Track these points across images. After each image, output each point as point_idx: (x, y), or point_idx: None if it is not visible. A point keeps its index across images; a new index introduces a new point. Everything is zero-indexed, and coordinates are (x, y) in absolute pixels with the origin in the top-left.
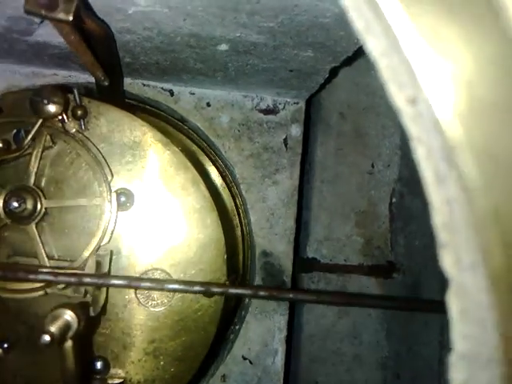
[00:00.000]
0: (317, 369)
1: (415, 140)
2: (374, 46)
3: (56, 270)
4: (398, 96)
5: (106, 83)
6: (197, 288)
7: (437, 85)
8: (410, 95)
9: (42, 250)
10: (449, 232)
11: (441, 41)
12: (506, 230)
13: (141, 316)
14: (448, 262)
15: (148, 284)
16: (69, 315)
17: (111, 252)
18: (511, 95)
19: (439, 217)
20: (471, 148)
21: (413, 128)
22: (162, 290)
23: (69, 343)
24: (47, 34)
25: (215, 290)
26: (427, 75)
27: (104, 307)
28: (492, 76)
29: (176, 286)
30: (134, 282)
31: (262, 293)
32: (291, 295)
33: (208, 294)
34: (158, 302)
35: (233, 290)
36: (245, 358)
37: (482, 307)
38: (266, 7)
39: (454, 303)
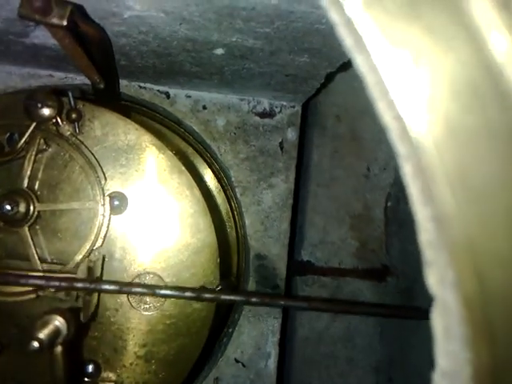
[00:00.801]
0: (310, 372)
1: (402, 157)
2: (361, 64)
3: (47, 274)
4: (386, 113)
5: (102, 86)
6: (188, 294)
7: (413, 109)
8: (397, 112)
9: (35, 253)
10: (433, 250)
11: (418, 65)
12: (478, 259)
13: (133, 320)
14: (433, 279)
15: (139, 289)
16: (58, 321)
17: (103, 257)
18: (484, 121)
19: (424, 234)
20: (445, 174)
21: (399, 145)
22: (153, 295)
23: (58, 348)
24: (43, 35)
25: (207, 296)
26: (403, 98)
27: (95, 312)
28: (467, 102)
29: (168, 292)
30: (125, 288)
31: (254, 299)
32: (283, 302)
33: (200, 300)
34: (150, 305)
35: (225, 297)
36: (237, 361)
37: (460, 326)
38: (262, 13)
39: (438, 320)
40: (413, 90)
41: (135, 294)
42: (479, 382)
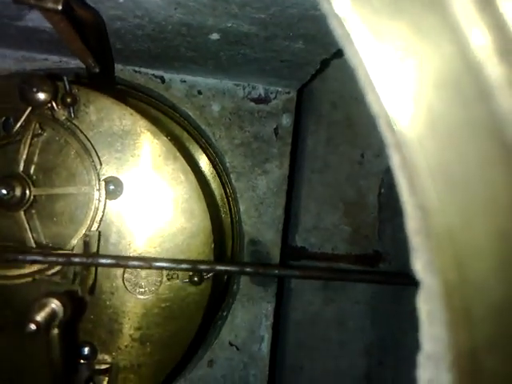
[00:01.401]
0: (302, 355)
1: (391, 147)
2: (351, 56)
3: (45, 251)
4: (374, 105)
5: (97, 70)
6: (184, 265)
7: (398, 103)
8: (383, 106)
9: (31, 237)
10: (419, 237)
11: (403, 60)
12: (458, 248)
13: (128, 303)
14: (419, 265)
15: (136, 262)
16: (55, 304)
17: (99, 233)
18: (466, 117)
19: (411, 222)
20: (427, 166)
21: (387, 137)
22: (149, 268)
23: (55, 331)
24: (38, 19)
25: (202, 267)
26: (389, 92)
27: (93, 286)
28: (449, 97)
29: (164, 264)
30: (122, 261)
31: (248, 269)
32: (276, 271)
33: (195, 270)
34: (146, 289)
35: (220, 267)
36: (231, 344)
37: (441, 311)
38: None
39: (423, 305)
40: (398, 85)
41: (132, 267)
42: (460, 364)
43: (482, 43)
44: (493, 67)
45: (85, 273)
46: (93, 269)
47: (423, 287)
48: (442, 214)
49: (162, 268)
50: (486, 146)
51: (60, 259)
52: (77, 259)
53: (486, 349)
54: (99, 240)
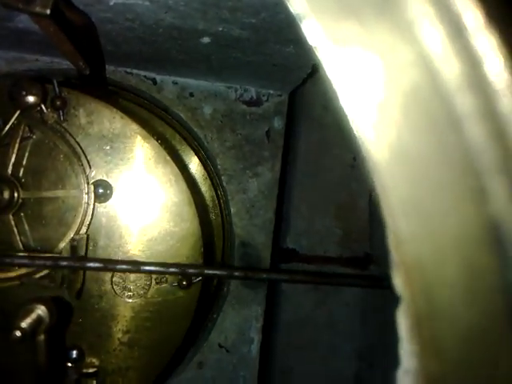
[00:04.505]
0: (292, 357)
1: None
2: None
3: (32, 254)
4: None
5: (87, 72)
6: (173, 269)
7: (365, 123)
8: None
9: (19, 241)
10: (398, 253)
11: (361, 69)
12: (427, 279)
13: (116, 307)
14: (398, 280)
15: (124, 266)
16: (41, 310)
17: (87, 236)
18: (436, 145)
19: (391, 236)
20: (398, 195)
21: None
22: (138, 272)
23: (41, 337)
24: (27, 20)
25: (191, 271)
26: (353, 103)
27: (81, 290)
28: (419, 123)
29: (152, 268)
30: (110, 265)
31: (237, 273)
32: (265, 275)
33: (184, 275)
34: (134, 293)
35: (208, 271)
36: (221, 346)
37: (410, 340)
38: (248, 4)
39: (403, 320)
40: (363, 103)
41: (120, 271)
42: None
43: (452, 73)
44: (463, 98)
45: (72, 276)
46: (81, 272)
47: (402, 302)
48: (411, 243)
49: (150, 272)
50: (458, 177)
51: (48, 262)
52: (64, 263)
53: (455, 376)
54: (87, 244)
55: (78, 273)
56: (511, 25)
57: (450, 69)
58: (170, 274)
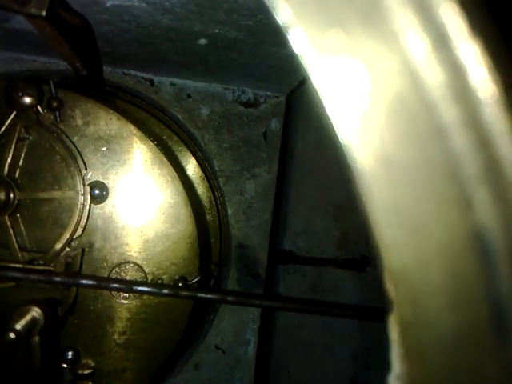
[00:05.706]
0: (289, 359)
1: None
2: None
3: (26, 266)
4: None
5: (84, 73)
6: (166, 291)
7: (349, 129)
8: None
9: (15, 241)
10: (384, 260)
11: (348, 78)
12: (412, 287)
13: (112, 308)
14: (389, 284)
15: (117, 285)
16: (36, 312)
17: (82, 250)
18: (420, 154)
19: (377, 244)
20: (382, 203)
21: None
22: (130, 291)
23: (36, 338)
24: (24, 21)
25: (184, 293)
26: (338, 112)
27: (73, 305)
28: (403, 130)
29: (145, 289)
30: (103, 283)
31: (230, 298)
32: (258, 301)
33: (177, 297)
34: (130, 295)
35: (201, 295)
36: (218, 348)
37: (398, 348)
38: (244, 7)
39: (394, 325)
40: (346, 105)
41: (113, 289)
42: None
43: (437, 82)
44: (447, 106)
45: (66, 292)
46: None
47: (393, 307)
48: (396, 251)
49: (143, 292)
50: (443, 186)
51: (41, 277)
52: (58, 278)
53: (442, 381)
54: (82, 258)
55: (71, 288)
56: (495, 34)
57: (434, 78)
58: (163, 295)
